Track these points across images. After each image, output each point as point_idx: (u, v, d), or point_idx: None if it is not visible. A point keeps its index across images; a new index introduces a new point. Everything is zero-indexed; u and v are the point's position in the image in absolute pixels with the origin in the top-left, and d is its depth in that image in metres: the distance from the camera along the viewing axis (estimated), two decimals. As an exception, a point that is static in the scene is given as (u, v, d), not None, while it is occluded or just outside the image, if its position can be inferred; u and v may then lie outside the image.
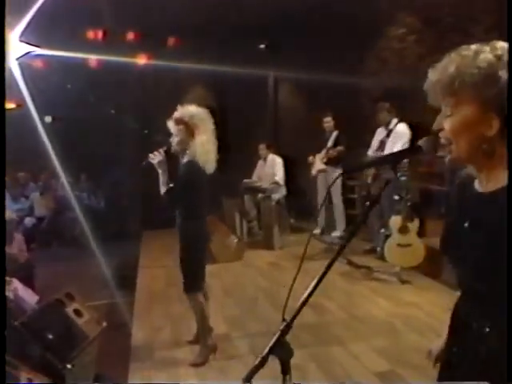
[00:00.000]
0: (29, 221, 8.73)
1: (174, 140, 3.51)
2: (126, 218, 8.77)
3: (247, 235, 7.15)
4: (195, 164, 3.41)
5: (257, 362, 1.35)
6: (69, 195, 8.94)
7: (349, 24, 7.45)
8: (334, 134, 7.03)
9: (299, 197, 8.05)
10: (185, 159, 3.50)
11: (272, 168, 7.25)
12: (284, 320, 1.50)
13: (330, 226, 7.26)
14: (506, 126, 1.19)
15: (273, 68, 9.08)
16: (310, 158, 7.16)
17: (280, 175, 7.18)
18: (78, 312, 4.52)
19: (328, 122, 7.03)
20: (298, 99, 9.13)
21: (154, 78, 9.07)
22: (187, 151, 3.47)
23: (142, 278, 5.74)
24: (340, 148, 6.83)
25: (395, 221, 5.26)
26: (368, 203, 6.64)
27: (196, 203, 3.54)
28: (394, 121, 6.00)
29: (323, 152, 7.04)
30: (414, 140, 5.99)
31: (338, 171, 6.99)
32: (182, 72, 9.15)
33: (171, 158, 3.64)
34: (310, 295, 1.54)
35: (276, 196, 7.02)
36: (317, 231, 7.32)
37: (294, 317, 1.54)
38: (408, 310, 4.52)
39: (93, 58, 8.30)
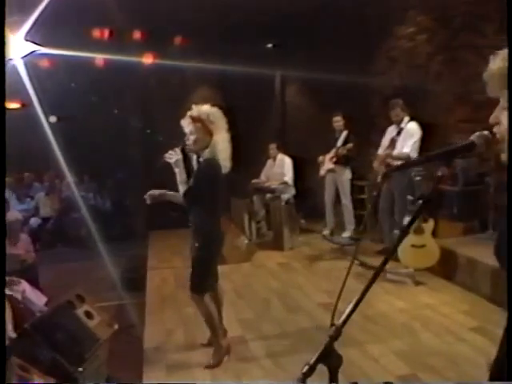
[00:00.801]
0: (34, 221, 8.67)
1: (190, 138, 3.45)
2: (131, 219, 8.71)
3: (256, 236, 7.07)
4: (215, 162, 3.40)
5: (304, 371, 1.28)
6: (74, 195, 8.90)
7: (358, 23, 7.39)
8: (344, 133, 6.94)
9: (308, 197, 7.98)
10: (203, 157, 3.45)
11: (281, 168, 7.18)
12: (332, 325, 1.43)
13: (339, 227, 7.18)
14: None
15: (280, 68, 9.02)
16: (320, 158, 7.08)
17: (289, 175, 7.11)
18: (88, 314, 4.46)
19: (338, 121, 6.95)
20: (306, 99, 9.06)
21: (161, 78, 8.99)
22: (206, 149, 3.43)
23: (152, 280, 5.66)
24: (349, 145, 6.74)
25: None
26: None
27: (213, 202, 3.53)
28: (406, 119, 5.94)
29: (332, 151, 6.95)
30: (424, 139, 5.93)
31: (347, 171, 6.94)
32: (189, 72, 9.16)
33: (187, 157, 3.59)
34: (359, 301, 1.48)
35: (285, 196, 6.95)
36: (326, 232, 7.24)
37: (345, 322, 1.48)
38: (424, 312, 4.45)
39: (99, 58, 8.20)
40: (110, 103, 8.97)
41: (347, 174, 6.93)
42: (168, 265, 6.28)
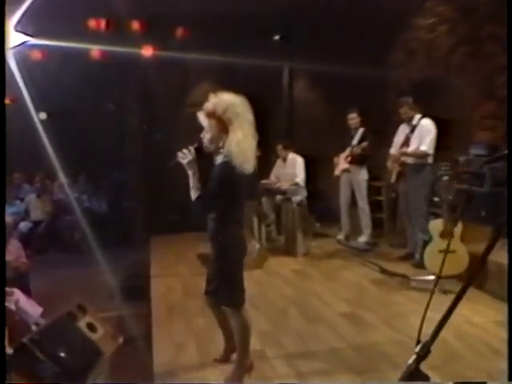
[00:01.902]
0: (24, 225, 8.50)
1: (206, 136, 3.22)
2: (130, 222, 8.57)
3: (265, 240, 6.92)
4: (231, 166, 3.10)
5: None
6: (67, 197, 8.75)
7: (373, 12, 7.27)
8: (360, 131, 6.82)
9: (319, 199, 7.86)
10: (219, 159, 3.21)
11: (293, 168, 7.04)
12: (419, 342, 1.31)
13: (354, 231, 7.07)
14: None
15: (288, 61, 8.89)
16: (335, 159, 6.95)
17: (301, 176, 6.97)
18: (91, 326, 4.31)
19: (353, 118, 6.84)
20: (316, 94, 8.95)
21: (160, 72, 8.84)
22: (221, 150, 3.19)
23: (157, 288, 5.50)
24: (364, 144, 6.62)
25: (436, 225, 5.06)
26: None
27: (233, 207, 3.28)
28: (417, 116, 5.84)
29: (347, 150, 6.83)
30: (445, 136, 5.82)
31: (363, 171, 6.82)
32: (190, 65, 9.00)
33: (203, 157, 3.35)
34: (446, 319, 1.37)
35: (297, 198, 6.80)
36: (340, 236, 7.14)
37: (433, 340, 1.36)
38: (457, 323, 4.30)
39: (95, 49, 8.05)
40: (106, 98, 8.81)
41: (363, 175, 6.82)
42: (173, 272, 6.14)
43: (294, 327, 4.35)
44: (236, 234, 3.34)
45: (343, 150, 6.95)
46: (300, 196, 6.88)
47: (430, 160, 5.74)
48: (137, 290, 5.95)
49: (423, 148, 5.65)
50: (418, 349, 1.22)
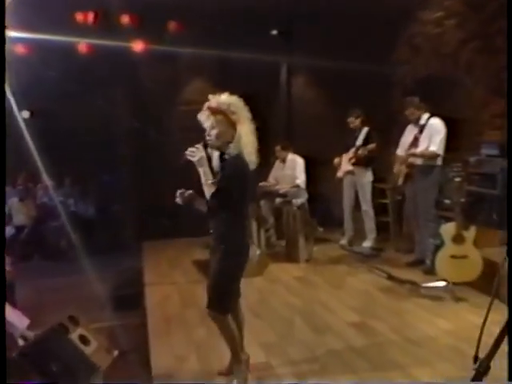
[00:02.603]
0: (7, 231, 8.34)
1: (212, 133, 3.30)
2: (119, 228, 8.46)
3: (265, 245, 6.86)
4: (243, 158, 3.26)
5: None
6: (52, 201, 8.64)
7: (375, 6, 7.24)
8: (364, 130, 6.80)
9: (320, 202, 7.81)
10: (229, 154, 3.30)
11: (292, 169, 6.99)
12: (476, 358, 1.29)
13: (358, 235, 7.05)
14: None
15: (286, 57, 8.85)
16: (336, 160, 6.93)
17: (302, 178, 6.93)
18: (84, 339, 4.23)
19: (353, 122, 6.83)
20: (316, 92, 8.91)
21: (152, 68, 8.78)
22: (230, 144, 3.29)
23: (152, 297, 5.43)
24: (372, 146, 6.59)
25: (448, 229, 5.04)
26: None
27: (242, 205, 3.37)
28: (425, 116, 5.83)
29: (351, 151, 6.79)
30: (453, 136, 5.80)
31: (368, 173, 6.79)
32: (183, 61, 8.95)
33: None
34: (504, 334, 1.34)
35: (298, 201, 6.76)
36: (343, 241, 7.12)
37: (492, 355, 1.32)
38: (470, 332, 4.24)
39: (82, 44, 7.95)
40: (94, 96, 8.68)
41: (368, 176, 6.81)
42: (168, 280, 6.06)
43: (301, 338, 4.29)
44: (243, 236, 3.43)
45: (346, 150, 6.92)
46: (301, 199, 6.84)
47: (439, 161, 5.72)
48: (130, 299, 5.86)
49: (433, 148, 5.63)
50: (477, 365, 1.18)
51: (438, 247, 5.17)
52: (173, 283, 5.92)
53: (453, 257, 4.95)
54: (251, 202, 3.73)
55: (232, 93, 3.35)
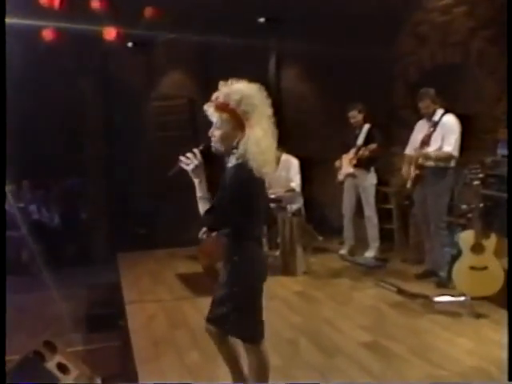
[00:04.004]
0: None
1: (215, 134, 3.03)
2: (90, 237, 8.34)
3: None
4: (248, 168, 2.94)
5: None
6: (10, 208, 8.41)
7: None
8: (365, 128, 6.77)
9: (315, 208, 7.77)
10: (232, 161, 3.02)
11: (286, 171, 6.91)
12: None
13: (359, 245, 7.05)
14: None
15: (275, 47, 8.80)
16: (337, 162, 6.90)
17: (297, 180, 6.86)
18: (62, 367, 4.08)
19: (354, 116, 6.79)
20: (309, 85, 8.89)
21: (125, 58, 8.66)
22: (234, 150, 3.01)
23: (135, 317, 5.28)
24: (374, 145, 6.56)
25: (466, 237, 5.00)
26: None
27: (250, 220, 3.09)
28: (439, 111, 5.80)
29: (352, 152, 6.77)
30: (463, 134, 5.80)
31: (371, 174, 6.77)
32: (160, 51, 8.87)
33: (210, 161, 3.19)
34: None
35: (293, 206, 6.70)
36: (343, 251, 7.09)
37: None
38: (493, 351, 4.25)
39: (46, 30, 7.76)
40: (60, 88, 8.51)
41: (371, 179, 6.80)
42: (152, 297, 5.93)
43: (309, 361, 4.21)
44: (254, 254, 3.17)
45: (346, 150, 6.89)
46: (297, 204, 6.78)
47: (452, 163, 5.70)
48: (108, 319, 5.77)
49: (448, 149, 5.60)
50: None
51: (454, 257, 5.14)
52: (157, 301, 5.79)
53: (472, 268, 4.91)
54: (264, 216, 3.46)
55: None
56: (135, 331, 4.95)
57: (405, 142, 6.55)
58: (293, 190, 6.83)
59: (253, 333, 3.19)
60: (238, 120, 2.98)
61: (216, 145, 3.06)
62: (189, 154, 3.04)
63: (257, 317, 3.21)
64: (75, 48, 8.23)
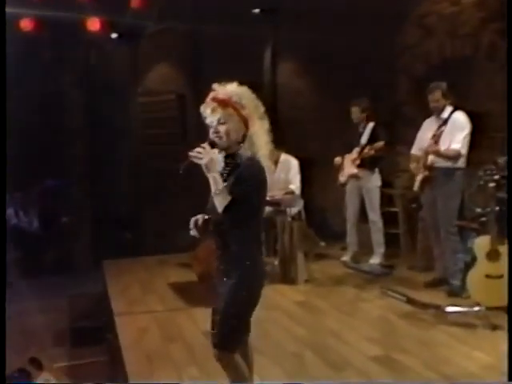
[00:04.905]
0: None
1: (220, 130, 3.13)
2: (72, 243, 8.27)
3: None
4: (258, 161, 3.13)
5: None
6: (-14, 212, 8.36)
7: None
8: (370, 126, 6.77)
9: (315, 211, 7.74)
10: (242, 157, 3.16)
11: (285, 173, 6.87)
12: None
13: (363, 250, 7.06)
14: None
15: (271, 39, 8.79)
16: (337, 159, 6.86)
17: (297, 182, 6.82)
18: (50, 386, 4.04)
19: (355, 112, 6.78)
20: (307, 81, 8.88)
21: (109, 50, 8.63)
22: (241, 145, 3.17)
23: (125, 330, 5.22)
24: (380, 144, 6.55)
25: (482, 243, 5.00)
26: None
27: (257, 220, 3.21)
28: (449, 108, 5.80)
29: (355, 151, 6.76)
30: (474, 133, 5.80)
31: (375, 175, 6.78)
32: (147, 43, 8.82)
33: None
34: None
35: (293, 210, 6.66)
36: (346, 258, 7.09)
37: None
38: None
39: (25, 19, 7.72)
40: (39, 83, 8.43)
41: (376, 180, 6.81)
42: (143, 308, 5.87)
43: (316, 376, 4.16)
44: (258, 258, 3.26)
45: (348, 150, 6.87)
46: (297, 207, 6.74)
47: (461, 162, 5.69)
48: (94, 332, 5.74)
49: (456, 146, 5.59)
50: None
51: (468, 265, 5.13)
52: (148, 312, 5.74)
53: (488, 276, 4.91)
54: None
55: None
56: (126, 345, 4.89)
57: (409, 141, 6.55)
58: (292, 193, 6.80)
59: (228, 341, 3.19)
60: (241, 114, 3.13)
61: (220, 141, 3.15)
62: (199, 149, 3.10)
63: (239, 327, 3.23)
64: (56, 39, 8.21)
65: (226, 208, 3.03)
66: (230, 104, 3.12)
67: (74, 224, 8.65)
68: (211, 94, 3.17)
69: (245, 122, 3.14)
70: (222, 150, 3.22)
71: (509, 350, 3.94)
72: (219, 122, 3.13)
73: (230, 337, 3.20)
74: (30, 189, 8.89)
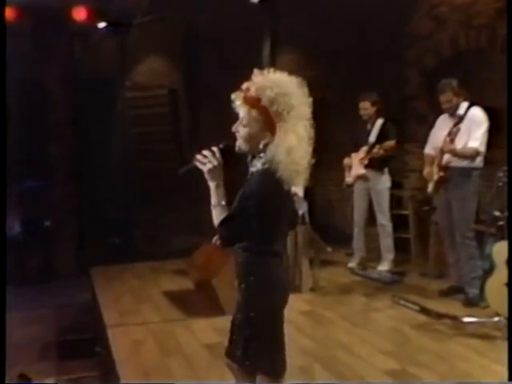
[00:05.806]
0: None
1: (241, 131, 2.89)
2: (56, 249, 8.23)
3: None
4: (276, 177, 2.82)
5: None
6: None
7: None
8: (378, 123, 6.76)
9: (319, 214, 7.74)
10: (258, 166, 2.90)
11: (289, 174, 6.87)
12: None
13: (371, 256, 7.10)
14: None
15: (270, 30, 8.75)
16: (346, 160, 6.87)
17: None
18: (41, 402, 4.01)
19: (366, 108, 6.77)
20: (309, 75, 8.80)
21: (96, 41, 8.61)
22: (261, 154, 2.89)
23: (118, 343, 5.19)
24: (390, 143, 6.54)
25: (501, 249, 4.99)
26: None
27: (273, 234, 2.98)
28: (464, 104, 5.78)
29: (363, 150, 6.75)
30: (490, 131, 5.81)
31: (385, 176, 6.78)
32: (136, 34, 8.81)
33: (230, 161, 3.08)
34: None
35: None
36: (352, 264, 7.10)
37: None
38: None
39: (7, 8, 7.66)
40: (19, 76, 8.40)
41: (385, 182, 6.81)
42: (137, 319, 5.84)
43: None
44: (275, 272, 3.06)
45: (355, 149, 6.87)
46: (300, 210, 6.69)
47: (479, 162, 5.69)
48: (84, 345, 5.70)
49: (473, 144, 5.58)
50: None
51: (486, 272, 5.13)
52: (143, 323, 5.72)
53: (507, 285, 4.91)
54: (290, 228, 3.34)
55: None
56: (121, 359, 4.87)
57: (419, 139, 6.56)
58: (295, 195, 6.76)
59: (273, 365, 3.02)
60: (268, 120, 2.84)
61: (239, 144, 2.93)
62: (206, 152, 2.91)
63: (277, 345, 3.10)
64: (39, 29, 8.23)
65: (221, 223, 2.88)
66: (257, 106, 2.82)
67: (57, 228, 8.63)
68: (245, 84, 2.85)
69: (271, 129, 2.84)
70: (242, 153, 3.02)
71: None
72: (241, 123, 2.86)
73: (277, 362, 3.04)
74: (10, 190, 8.87)
